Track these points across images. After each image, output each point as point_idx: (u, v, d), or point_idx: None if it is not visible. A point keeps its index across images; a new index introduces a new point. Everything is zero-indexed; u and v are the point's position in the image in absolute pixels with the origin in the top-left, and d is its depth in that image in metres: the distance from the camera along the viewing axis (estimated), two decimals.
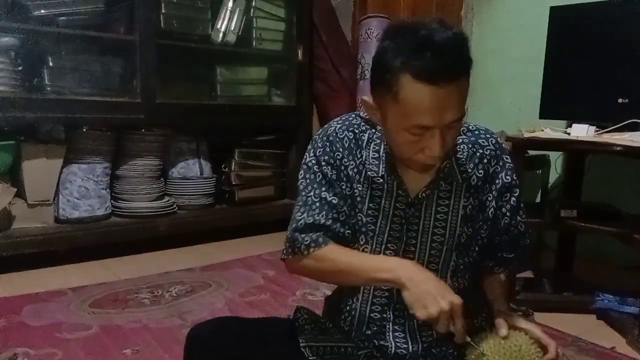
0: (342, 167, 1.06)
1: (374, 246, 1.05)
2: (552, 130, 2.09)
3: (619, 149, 1.80)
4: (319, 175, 1.06)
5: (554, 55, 2.16)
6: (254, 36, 3.03)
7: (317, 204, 1.04)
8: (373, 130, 1.07)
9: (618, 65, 2.00)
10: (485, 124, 1.14)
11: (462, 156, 1.05)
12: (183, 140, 2.88)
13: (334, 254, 1.01)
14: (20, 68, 2.31)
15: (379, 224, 1.05)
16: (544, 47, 2.18)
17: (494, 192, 1.07)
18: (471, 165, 1.05)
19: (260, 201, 3.07)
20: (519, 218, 1.12)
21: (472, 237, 1.07)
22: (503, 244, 1.13)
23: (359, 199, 1.06)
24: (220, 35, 2.87)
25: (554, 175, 2.52)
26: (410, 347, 1.05)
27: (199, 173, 2.89)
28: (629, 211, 2.09)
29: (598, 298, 1.97)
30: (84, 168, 2.49)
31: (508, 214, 1.10)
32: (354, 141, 1.06)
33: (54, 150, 2.40)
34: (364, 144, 1.06)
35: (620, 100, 1.97)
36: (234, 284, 2.21)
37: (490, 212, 1.08)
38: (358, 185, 1.05)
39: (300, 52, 3.13)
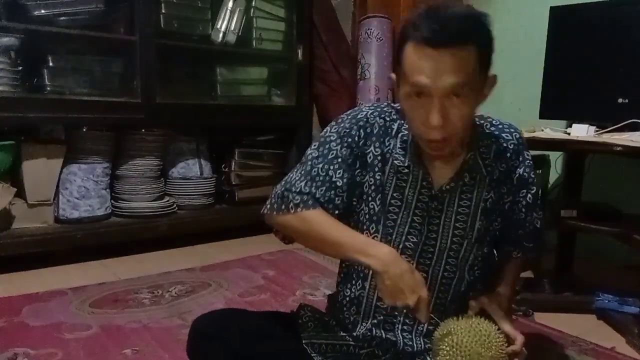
0: (363, 154, 1.05)
1: (394, 236, 1.05)
2: (552, 130, 2.09)
3: (619, 149, 1.80)
4: (333, 153, 1.05)
5: (554, 55, 2.16)
6: (254, 36, 3.02)
7: (321, 179, 1.03)
8: (402, 121, 1.07)
9: (618, 65, 2.00)
10: None
11: (486, 150, 1.06)
12: (183, 140, 2.87)
13: (320, 220, 1.01)
14: (20, 68, 2.31)
15: (401, 214, 1.05)
16: (544, 47, 2.18)
17: (511, 187, 1.08)
18: (494, 159, 1.06)
19: (260, 201, 3.01)
20: (534, 215, 1.13)
21: (488, 230, 1.08)
22: (519, 238, 1.15)
23: (373, 188, 1.05)
24: (220, 35, 2.87)
25: (554, 175, 2.52)
26: (415, 346, 1.05)
27: (199, 173, 2.89)
28: (629, 211, 2.09)
29: (598, 298, 1.97)
30: (84, 168, 2.48)
31: (524, 209, 1.11)
32: (383, 128, 1.06)
33: (54, 150, 2.40)
34: (393, 132, 1.06)
35: (620, 100, 1.97)
36: (234, 284, 2.21)
37: (506, 206, 1.09)
38: (378, 173, 1.05)
39: (300, 52, 3.13)
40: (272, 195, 1.09)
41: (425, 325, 1.05)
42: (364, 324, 1.09)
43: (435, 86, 0.89)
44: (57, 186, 2.44)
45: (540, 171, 2.51)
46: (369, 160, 1.05)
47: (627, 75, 1.98)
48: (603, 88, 2.03)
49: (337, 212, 1.04)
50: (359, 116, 1.07)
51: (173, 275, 2.31)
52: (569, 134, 2.02)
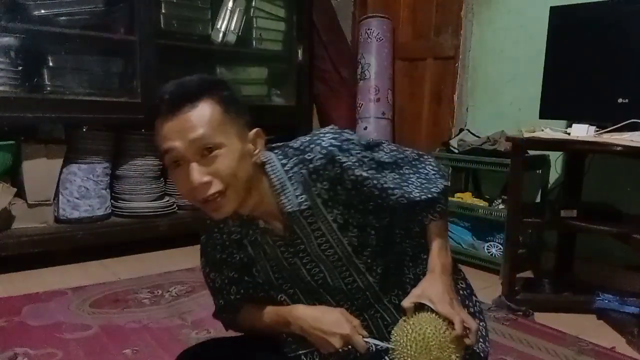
0: (223, 246, 1.13)
1: (290, 290, 1.12)
2: (552, 130, 2.08)
3: (619, 149, 1.80)
4: (212, 260, 1.15)
5: (554, 55, 2.16)
6: (254, 36, 3.03)
7: (224, 284, 1.15)
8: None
9: (618, 65, 2.00)
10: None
11: (296, 180, 1.01)
12: None
13: (250, 323, 1.15)
14: (20, 68, 2.31)
15: (280, 270, 1.10)
16: (544, 47, 2.18)
17: (350, 194, 1.02)
18: (310, 184, 1.01)
19: None
20: (394, 197, 1.04)
21: (362, 234, 1.06)
22: (410, 211, 1.08)
23: (247, 265, 1.13)
24: (220, 35, 2.87)
25: (554, 175, 2.52)
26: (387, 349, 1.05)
27: None
28: (629, 211, 2.09)
29: (598, 298, 1.97)
30: (84, 168, 2.48)
31: (380, 200, 1.04)
32: (224, 236, 1.12)
33: (54, 150, 2.40)
34: (229, 227, 1.11)
35: (620, 100, 1.97)
36: None
37: (362, 207, 1.05)
38: (240, 252, 1.12)
39: (300, 52, 3.13)
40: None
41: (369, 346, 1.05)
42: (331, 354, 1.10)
43: (183, 145, 0.91)
44: (57, 186, 2.44)
45: (540, 171, 2.52)
46: (229, 249, 1.12)
47: (627, 75, 1.98)
48: (603, 88, 2.03)
49: (261, 293, 1.15)
50: (205, 220, 1.13)
51: (173, 275, 2.31)
52: (569, 134, 2.01)
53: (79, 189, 2.47)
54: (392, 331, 0.99)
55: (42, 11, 2.35)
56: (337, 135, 1.02)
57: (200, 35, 2.83)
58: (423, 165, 1.09)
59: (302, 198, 1.01)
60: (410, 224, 1.11)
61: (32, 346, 1.60)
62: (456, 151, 2.64)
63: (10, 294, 2.02)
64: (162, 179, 2.77)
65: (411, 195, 1.04)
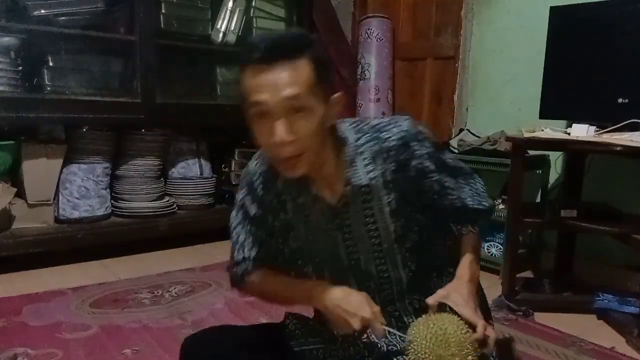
0: (264, 203, 1.10)
1: (320, 263, 1.10)
2: (552, 130, 2.08)
3: (619, 149, 1.80)
4: (245, 214, 1.12)
5: (554, 55, 2.16)
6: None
7: (248, 240, 1.12)
8: None
9: (618, 65, 2.00)
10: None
11: (367, 155, 1.04)
12: (183, 140, 2.88)
13: (262, 283, 1.11)
14: (20, 68, 2.31)
15: (317, 241, 1.09)
16: (544, 47, 2.18)
17: (411, 180, 1.06)
18: (380, 162, 1.04)
19: None
20: (450, 197, 1.09)
21: (407, 226, 1.08)
22: (453, 218, 1.14)
23: (285, 228, 1.11)
24: (220, 35, 2.87)
25: (554, 175, 2.52)
26: (399, 345, 1.06)
27: (199, 173, 2.89)
28: (629, 211, 2.09)
29: (598, 298, 1.97)
30: (84, 168, 2.49)
31: (436, 196, 1.09)
32: (270, 173, 1.09)
33: (54, 150, 2.40)
34: (279, 172, 1.07)
35: (620, 100, 1.97)
36: None
37: (415, 199, 1.07)
38: (282, 213, 1.10)
39: None
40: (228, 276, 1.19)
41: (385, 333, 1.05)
42: (343, 335, 1.10)
43: (274, 100, 0.90)
44: (57, 186, 2.44)
45: (540, 171, 2.52)
46: (270, 206, 1.10)
47: (627, 75, 1.97)
48: (603, 88, 2.03)
49: (280, 259, 1.13)
50: (248, 172, 1.14)
51: (173, 275, 2.31)
52: (569, 134, 2.01)
53: (79, 189, 2.47)
54: (411, 325, 0.99)
55: (42, 11, 2.35)
56: (414, 125, 1.07)
57: (200, 35, 2.83)
58: (474, 181, 1.14)
59: (372, 174, 1.04)
60: (449, 231, 1.15)
61: (32, 346, 1.60)
62: (456, 151, 2.64)
63: (10, 294, 2.02)
64: (162, 179, 2.77)
65: (465, 201, 1.10)
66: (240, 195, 1.14)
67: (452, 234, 1.16)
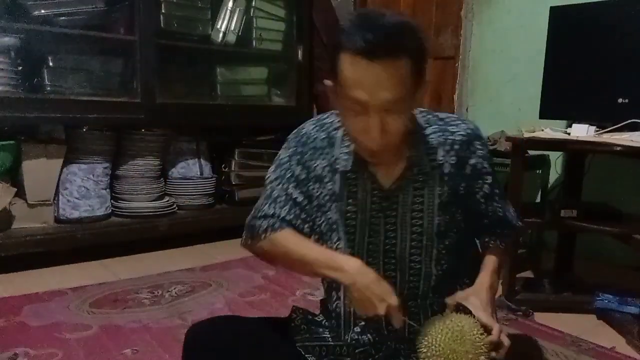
0: (312, 168, 1.09)
1: (356, 241, 1.08)
2: (552, 130, 2.08)
3: (619, 149, 1.80)
4: (288, 172, 1.10)
5: (554, 55, 2.16)
6: (254, 36, 3.03)
7: (282, 198, 1.09)
8: (344, 129, 1.08)
9: (618, 65, 2.00)
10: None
11: (432, 144, 1.06)
12: (183, 140, 2.87)
13: (289, 241, 1.06)
14: (20, 68, 2.31)
15: (358, 218, 1.07)
16: (544, 47, 2.18)
17: (465, 178, 1.08)
18: (442, 153, 1.06)
19: None
20: (495, 204, 1.13)
21: (450, 223, 1.08)
22: (488, 227, 1.16)
23: (327, 198, 1.08)
24: (220, 35, 2.87)
25: (554, 175, 2.52)
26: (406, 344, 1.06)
27: (199, 173, 2.89)
28: (629, 211, 2.09)
29: (598, 298, 1.97)
30: (84, 168, 2.49)
31: (482, 200, 1.11)
32: (326, 140, 1.09)
33: (54, 150, 2.40)
34: (337, 141, 1.08)
35: (620, 100, 1.97)
36: (234, 284, 2.21)
37: (465, 198, 1.09)
38: (330, 183, 1.08)
39: (300, 52, 3.13)
40: (245, 227, 1.15)
41: (404, 325, 1.05)
42: (351, 330, 1.10)
43: (373, 102, 0.90)
44: (57, 186, 2.44)
45: (540, 171, 2.52)
46: (319, 173, 1.09)
47: (627, 75, 1.97)
48: (603, 88, 2.02)
49: (306, 226, 1.10)
50: (301, 133, 1.13)
51: (173, 275, 2.31)
52: (569, 134, 2.01)
53: (79, 189, 2.47)
54: (427, 322, 1.00)
55: (42, 11, 2.35)
56: (478, 128, 1.11)
57: (200, 35, 2.83)
58: (508, 202, 1.20)
59: (433, 163, 1.05)
60: (475, 245, 1.18)
61: (32, 346, 1.60)
62: None
63: (10, 294, 2.02)
64: (162, 179, 2.77)
65: (507, 213, 1.15)
66: (286, 152, 1.12)
67: (477, 249, 1.18)
